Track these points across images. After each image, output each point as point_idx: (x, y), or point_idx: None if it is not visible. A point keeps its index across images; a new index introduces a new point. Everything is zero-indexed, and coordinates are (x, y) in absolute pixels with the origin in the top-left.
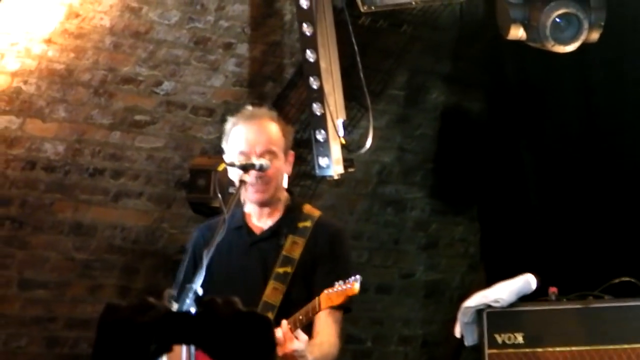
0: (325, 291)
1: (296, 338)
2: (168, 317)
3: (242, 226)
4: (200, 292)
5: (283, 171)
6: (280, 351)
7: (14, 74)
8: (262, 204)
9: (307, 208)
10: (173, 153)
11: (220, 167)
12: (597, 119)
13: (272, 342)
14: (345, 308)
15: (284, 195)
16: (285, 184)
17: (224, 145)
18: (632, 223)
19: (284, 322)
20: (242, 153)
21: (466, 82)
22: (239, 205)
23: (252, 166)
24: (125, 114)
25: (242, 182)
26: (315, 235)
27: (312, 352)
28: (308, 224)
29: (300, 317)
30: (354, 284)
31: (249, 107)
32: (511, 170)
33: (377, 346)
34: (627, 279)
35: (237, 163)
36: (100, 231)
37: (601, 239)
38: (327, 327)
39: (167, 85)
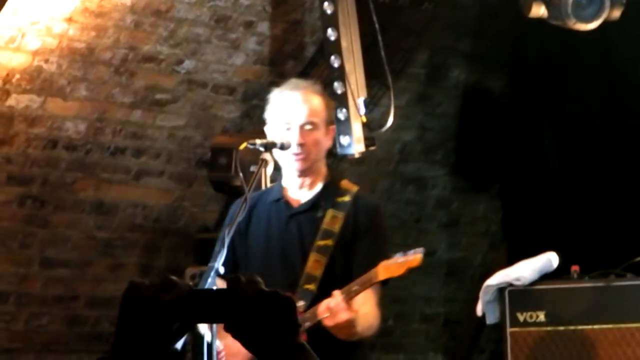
0: (384, 262)
1: (349, 309)
2: (191, 296)
3: (280, 198)
4: (222, 270)
5: (323, 143)
6: (332, 321)
7: (34, 53)
8: (302, 174)
9: (345, 183)
10: (194, 132)
11: (242, 146)
12: (619, 97)
13: (295, 324)
14: (385, 281)
15: (324, 169)
16: (325, 157)
17: (266, 115)
18: None
19: (337, 292)
20: (284, 122)
21: (488, 60)
22: (279, 177)
23: (274, 145)
24: (146, 92)
25: (262, 161)
26: (354, 210)
27: (359, 323)
28: (347, 198)
29: (355, 288)
30: (417, 256)
31: (294, 79)
32: (533, 148)
33: (398, 324)
34: None
35: (270, 139)
36: (122, 210)
37: (623, 217)
38: (369, 298)
39: (188, 64)
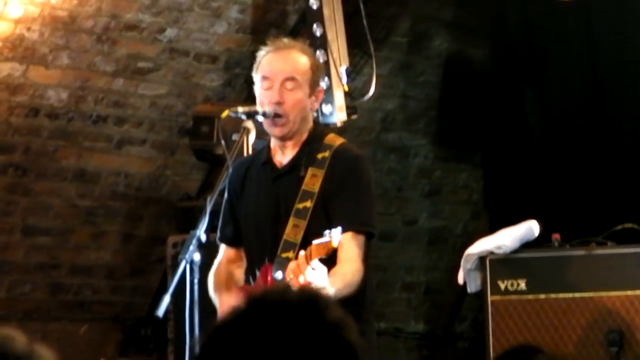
0: (314, 241)
1: (312, 269)
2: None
3: (266, 162)
4: (203, 238)
5: (305, 104)
6: (295, 283)
7: (17, 21)
8: (283, 138)
9: (330, 138)
10: (176, 100)
11: (224, 114)
12: (600, 65)
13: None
14: (368, 233)
15: (308, 127)
16: (310, 119)
17: (253, 73)
18: (635, 169)
19: (301, 252)
20: (264, 78)
21: (470, 29)
22: (262, 137)
23: (256, 113)
24: (129, 61)
25: (244, 129)
26: (333, 165)
27: (334, 283)
28: (327, 154)
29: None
30: (332, 239)
31: (284, 39)
32: (515, 117)
33: (380, 293)
34: (630, 225)
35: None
36: (104, 178)
37: (604, 186)
38: (350, 252)
39: (170, 32)
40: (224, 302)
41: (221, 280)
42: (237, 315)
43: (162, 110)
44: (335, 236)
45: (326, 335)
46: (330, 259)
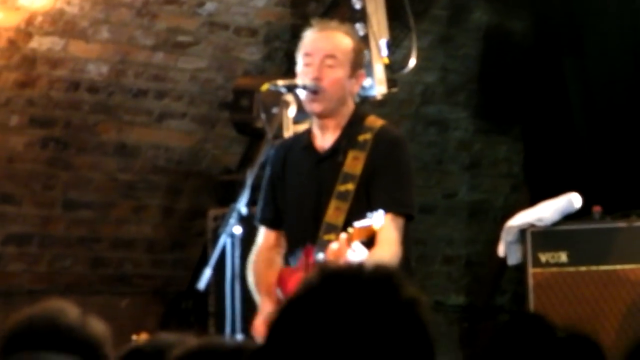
0: (356, 224)
1: (353, 251)
2: None
3: (307, 146)
4: (244, 211)
5: (345, 84)
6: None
7: None
8: (321, 116)
9: (370, 120)
10: (216, 74)
11: (264, 88)
12: None
13: None
14: (408, 215)
15: (349, 110)
16: (350, 101)
17: (297, 52)
18: None
19: (342, 234)
20: (306, 54)
21: (509, 1)
22: (300, 114)
23: (296, 86)
24: (168, 34)
25: (284, 102)
26: (374, 147)
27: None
28: (368, 136)
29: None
30: (374, 222)
31: (332, 23)
32: (555, 89)
33: (420, 266)
34: None
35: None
36: (144, 152)
37: None
38: (389, 234)
39: (209, 6)
40: (264, 308)
41: (261, 273)
42: (311, 291)
43: (202, 84)
44: (377, 219)
45: (401, 312)
46: (370, 241)
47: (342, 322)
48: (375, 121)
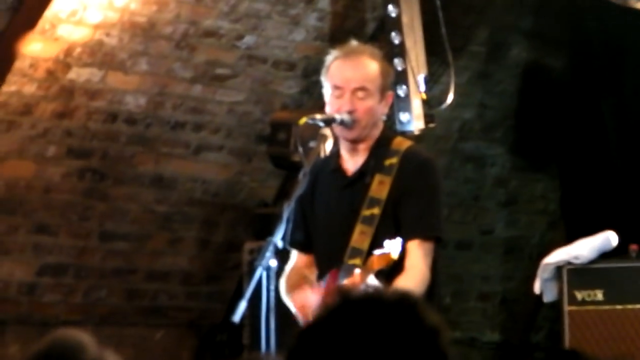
0: (376, 252)
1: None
2: None
3: (336, 169)
4: (280, 245)
5: (376, 111)
6: None
7: (96, 27)
8: (353, 142)
9: (397, 142)
10: (254, 107)
11: (301, 121)
12: None
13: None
14: (437, 238)
15: (378, 131)
16: (380, 123)
17: (322, 77)
18: None
19: (357, 270)
20: (336, 87)
21: (548, 38)
22: (336, 145)
23: (333, 120)
24: (207, 67)
25: (322, 136)
26: (400, 171)
27: None
28: (394, 160)
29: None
30: (391, 251)
31: (353, 42)
32: (592, 127)
33: (456, 302)
34: None
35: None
36: (181, 184)
37: None
38: (416, 260)
39: (248, 39)
40: (297, 299)
41: (293, 282)
42: (331, 314)
43: (239, 117)
44: (394, 248)
45: (423, 340)
46: (395, 268)
47: (363, 347)
48: (401, 143)
